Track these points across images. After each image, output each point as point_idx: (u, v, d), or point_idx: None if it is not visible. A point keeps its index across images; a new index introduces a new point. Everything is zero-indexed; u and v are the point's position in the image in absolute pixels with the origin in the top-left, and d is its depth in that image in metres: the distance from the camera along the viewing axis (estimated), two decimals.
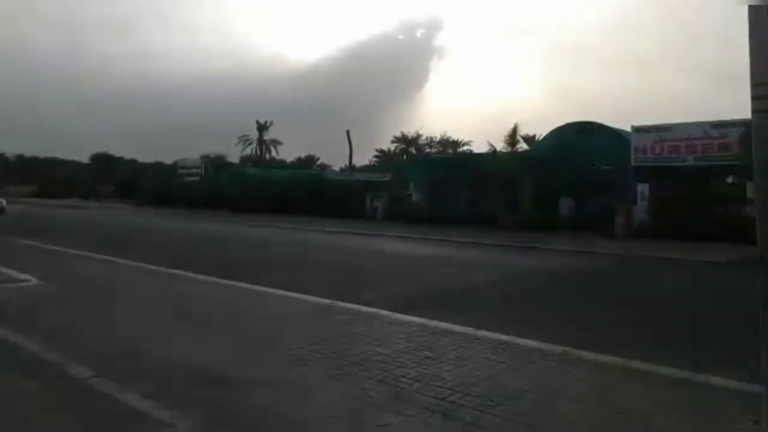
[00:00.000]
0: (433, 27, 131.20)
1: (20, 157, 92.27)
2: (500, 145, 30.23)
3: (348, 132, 48.80)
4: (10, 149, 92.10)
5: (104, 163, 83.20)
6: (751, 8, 3.56)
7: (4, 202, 33.64)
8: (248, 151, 76.11)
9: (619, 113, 79.24)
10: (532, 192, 25.83)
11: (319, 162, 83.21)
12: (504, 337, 6.18)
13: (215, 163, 57.52)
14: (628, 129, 24.45)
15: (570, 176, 24.24)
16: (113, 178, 70.91)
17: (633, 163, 23.21)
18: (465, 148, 65.89)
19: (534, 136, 46.26)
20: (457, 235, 21.50)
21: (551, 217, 23.84)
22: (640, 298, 9.99)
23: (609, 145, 24.64)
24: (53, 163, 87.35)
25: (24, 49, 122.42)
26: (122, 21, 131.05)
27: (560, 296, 10.12)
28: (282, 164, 76.66)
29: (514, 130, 29.61)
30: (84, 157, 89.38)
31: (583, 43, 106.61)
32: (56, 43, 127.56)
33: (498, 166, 26.27)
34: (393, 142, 69.85)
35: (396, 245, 19.07)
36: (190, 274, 10.59)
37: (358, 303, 7.95)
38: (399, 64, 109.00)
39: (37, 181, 77.01)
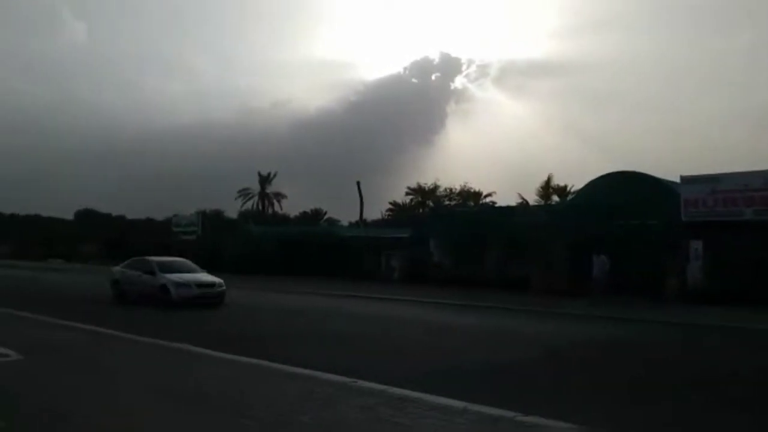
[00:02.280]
0: (450, 69, 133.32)
1: None
2: (530, 198, 30.20)
3: (358, 183, 48.97)
4: None
5: (89, 220, 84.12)
6: None
7: None
8: (249, 205, 76.77)
9: (663, 162, 78.50)
10: (568, 250, 25.56)
11: (326, 216, 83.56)
12: (563, 425, 5.89)
13: (213, 220, 57.84)
14: (675, 179, 24.34)
15: (610, 232, 24.03)
16: (100, 237, 71.27)
17: (683, 218, 22.97)
18: (487, 200, 66.19)
19: (566, 188, 46.31)
20: (485, 300, 21.25)
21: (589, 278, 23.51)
22: (720, 380, 9.31)
23: (654, 198, 24.47)
24: (34, 220, 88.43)
25: (6, 97, 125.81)
26: (108, 66, 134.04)
27: (617, 376, 9.73)
28: (286, 219, 77.02)
29: (548, 182, 29.66)
30: (68, 214, 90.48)
31: (619, 85, 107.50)
32: (39, 90, 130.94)
33: (530, 222, 26.12)
34: (408, 193, 70.17)
35: (417, 311, 18.82)
36: (190, 347, 10.41)
37: (383, 381, 7.68)
38: (413, 109, 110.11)
39: (14, 240, 77.74)
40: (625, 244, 23.62)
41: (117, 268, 22.12)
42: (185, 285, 18.99)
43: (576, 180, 48.14)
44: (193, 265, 21.46)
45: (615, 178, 26.42)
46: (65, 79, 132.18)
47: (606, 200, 25.19)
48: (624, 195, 24.68)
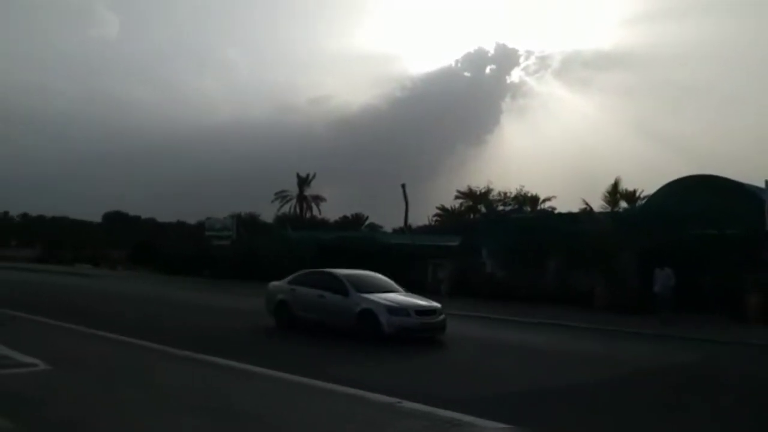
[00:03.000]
0: (506, 61, 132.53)
1: (25, 216, 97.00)
2: (595, 203, 29.70)
3: (403, 186, 49.00)
4: (16, 207, 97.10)
5: (118, 223, 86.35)
6: None
7: None
8: (286, 208, 77.47)
9: (747, 165, 75.43)
10: (637, 262, 25.04)
11: (368, 222, 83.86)
12: None
13: (248, 224, 58.47)
14: (760, 184, 23.62)
15: (684, 242, 23.47)
16: (128, 241, 73.08)
17: None
18: (546, 205, 65.32)
19: (635, 193, 45.40)
20: (543, 315, 21.03)
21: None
22: None
23: (735, 205, 23.79)
24: (62, 222, 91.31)
25: (41, 97, 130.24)
26: (140, 61, 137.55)
27: (710, 406, 9.46)
28: (324, 224, 77.52)
29: (615, 186, 29.11)
30: (96, 216, 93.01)
31: (698, 78, 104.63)
32: (68, 87, 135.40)
33: (594, 230, 25.69)
34: (457, 197, 69.83)
35: (469, 327, 18.69)
36: (234, 363, 10.57)
37: (431, 403, 7.68)
38: (464, 105, 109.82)
39: (42, 242, 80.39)
40: (701, 256, 23.03)
41: (279, 284, 18.30)
42: (400, 311, 14.83)
43: (647, 184, 47.12)
44: (389, 281, 17.40)
45: (691, 183, 25.81)
46: (95, 75, 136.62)
47: (680, 207, 24.61)
48: (701, 201, 24.06)
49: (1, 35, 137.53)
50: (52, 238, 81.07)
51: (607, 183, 47.38)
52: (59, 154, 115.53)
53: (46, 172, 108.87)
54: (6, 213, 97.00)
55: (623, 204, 43.76)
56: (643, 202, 38.76)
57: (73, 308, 20.78)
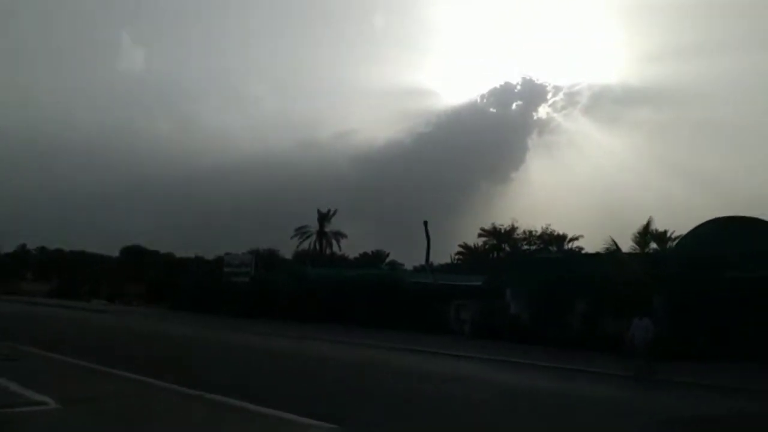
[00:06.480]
0: (533, 97, 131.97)
1: (42, 250, 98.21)
2: (624, 244, 29.27)
3: (425, 223, 48.86)
4: (34, 240, 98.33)
5: (136, 257, 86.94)
6: None
7: None
8: (306, 245, 77.61)
9: None
10: (670, 307, 24.55)
11: (389, 259, 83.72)
12: None
13: (267, 260, 58.58)
14: None
15: (719, 287, 23.03)
16: (146, 275, 73.46)
17: None
18: (573, 245, 64.88)
19: (666, 233, 44.82)
20: (572, 361, 20.61)
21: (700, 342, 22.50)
22: None
23: None
24: (79, 256, 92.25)
25: (64, 129, 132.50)
26: (164, 94, 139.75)
27: None
28: (345, 261, 77.44)
29: (647, 226, 28.68)
30: (114, 251, 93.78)
31: (732, 115, 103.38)
32: (93, 118, 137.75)
33: (624, 272, 25.28)
34: (481, 235, 69.55)
35: (498, 372, 18.32)
36: (250, 405, 10.38)
37: None
38: (490, 142, 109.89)
39: (59, 277, 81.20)
40: (737, 301, 22.55)
41: None
42: None
43: (677, 224, 46.55)
44: None
45: (726, 224, 25.49)
46: (118, 108, 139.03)
47: (715, 249, 24.23)
48: (737, 243, 23.69)
49: (27, 66, 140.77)
50: (68, 273, 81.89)
51: (635, 222, 46.92)
52: (79, 188, 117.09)
53: (66, 205, 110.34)
54: (23, 246, 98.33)
55: (653, 245, 43.34)
56: (675, 243, 38.23)
57: (86, 345, 20.81)
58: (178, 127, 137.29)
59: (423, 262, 54.56)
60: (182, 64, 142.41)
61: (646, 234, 28.79)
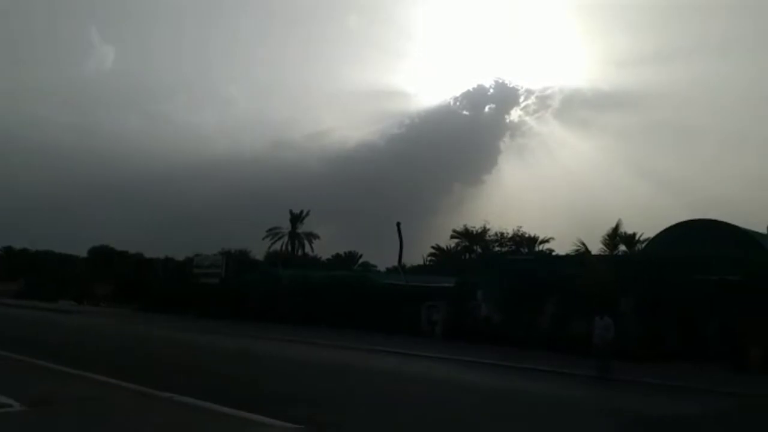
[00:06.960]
0: (505, 100, 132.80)
1: (8, 250, 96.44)
2: (593, 246, 29.69)
3: (398, 225, 48.94)
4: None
5: (104, 257, 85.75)
6: None
7: None
8: (278, 246, 77.29)
9: (749, 210, 75.42)
10: (638, 308, 24.93)
11: (361, 260, 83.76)
12: None
13: (238, 261, 58.20)
14: (761, 227, 23.81)
15: (687, 288, 23.44)
16: (114, 276, 72.44)
17: None
18: (544, 247, 65.50)
19: (635, 236, 45.60)
20: (542, 362, 20.87)
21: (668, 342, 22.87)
22: None
23: (736, 251, 23.86)
24: (46, 256, 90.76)
25: (32, 127, 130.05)
26: (135, 93, 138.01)
27: None
28: (317, 262, 77.28)
29: (616, 229, 29.17)
30: (82, 251, 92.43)
31: (700, 120, 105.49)
32: (60, 117, 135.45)
33: (593, 274, 25.62)
34: (453, 237, 70.00)
35: (473, 374, 18.42)
36: (214, 406, 10.35)
37: None
38: (462, 144, 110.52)
39: (25, 277, 79.72)
40: (704, 302, 22.97)
41: None
42: None
43: (646, 227, 47.35)
44: None
45: (692, 227, 25.98)
46: (88, 107, 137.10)
47: (681, 252, 24.67)
48: (702, 246, 24.18)
49: None
50: (35, 273, 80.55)
51: (605, 225, 47.65)
52: (47, 187, 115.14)
53: (32, 205, 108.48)
54: None
55: (622, 247, 43.98)
56: (643, 246, 38.85)
57: (51, 346, 20.53)
58: (148, 126, 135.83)
59: (396, 263, 54.66)
60: (154, 63, 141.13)
61: (615, 236, 29.27)
